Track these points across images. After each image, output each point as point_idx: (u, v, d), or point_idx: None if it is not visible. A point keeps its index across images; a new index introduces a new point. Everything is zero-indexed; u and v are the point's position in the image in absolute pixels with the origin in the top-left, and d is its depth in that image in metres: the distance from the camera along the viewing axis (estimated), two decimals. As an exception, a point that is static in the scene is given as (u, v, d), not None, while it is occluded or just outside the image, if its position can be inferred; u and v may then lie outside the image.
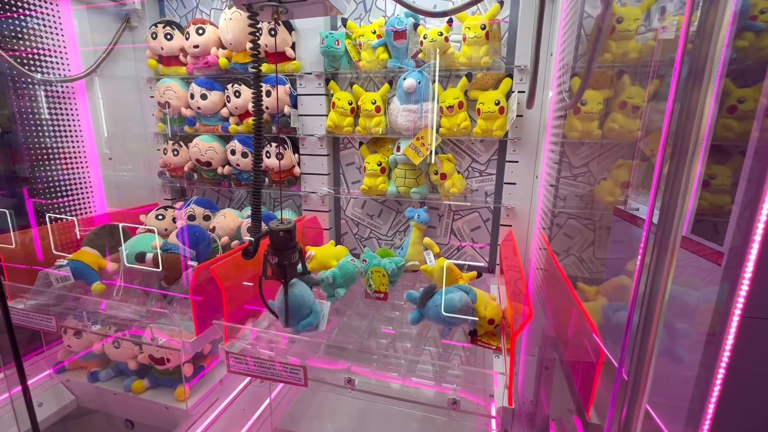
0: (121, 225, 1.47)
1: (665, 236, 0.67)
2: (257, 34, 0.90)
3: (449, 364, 1.08)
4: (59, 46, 1.65)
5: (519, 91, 1.44)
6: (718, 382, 1.01)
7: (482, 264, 1.70)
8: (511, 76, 1.46)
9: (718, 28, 0.57)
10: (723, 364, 1.00)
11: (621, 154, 1.40)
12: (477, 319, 1.16)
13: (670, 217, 0.66)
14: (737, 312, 1.01)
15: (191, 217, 1.79)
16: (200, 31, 1.69)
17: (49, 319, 1.30)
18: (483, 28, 1.39)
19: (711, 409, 1.02)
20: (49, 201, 1.67)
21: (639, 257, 0.85)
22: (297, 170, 1.77)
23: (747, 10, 1.13)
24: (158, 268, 1.42)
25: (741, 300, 0.98)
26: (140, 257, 1.37)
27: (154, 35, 1.75)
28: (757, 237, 0.91)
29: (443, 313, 1.12)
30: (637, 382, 0.74)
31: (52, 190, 1.68)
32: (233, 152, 1.76)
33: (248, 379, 1.63)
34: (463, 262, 1.52)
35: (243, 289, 1.27)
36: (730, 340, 1.01)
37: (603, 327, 1.19)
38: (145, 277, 1.46)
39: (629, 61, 1.32)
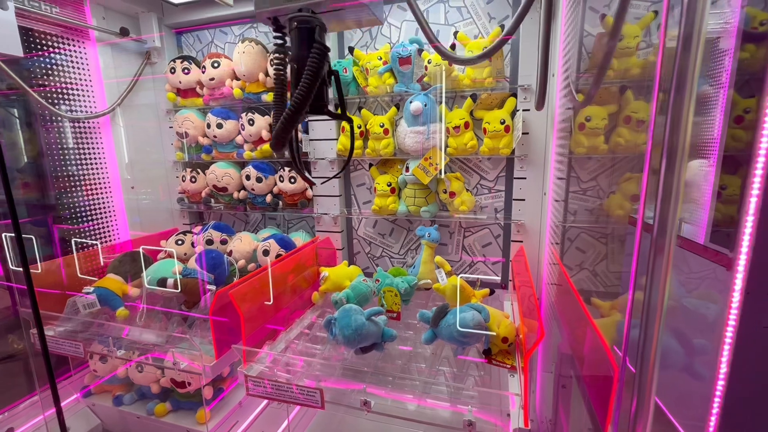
0: (141, 249, 1.54)
1: (660, 240, 0.67)
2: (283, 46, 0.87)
3: (464, 385, 1.09)
4: (85, 81, 1.76)
5: (524, 110, 1.47)
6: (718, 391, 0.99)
7: (496, 277, 1.71)
8: (515, 95, 1.49)
9: (696, 43, 0.59)
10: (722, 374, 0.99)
11: (629, 168, 1.40)
12: (491, 334, 1.17)
13: (663, 223, 0.67)
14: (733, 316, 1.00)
15: (209, 242, 1.85)
16: (215, 65, 1.78)
17: (77, 345, 1.36)
18: (485, 51, 1.43)
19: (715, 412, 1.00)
20: (74, 227, 1.75)
21: (633, 264, 0.86)
22: (309, 192, 1.82)
23: (747, 23, 1.15)
24: (178, 292, 1.48)
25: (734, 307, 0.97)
26: (161, 282, 1.43)
27: (172, 70, 1.85)
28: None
29: (456, 332, 1.13)
30: (643, 383, 0.74)
31: (77, 216, 1.77)
32: (248, 177, 1.83)
33: (267, 401, 1.65)
34: (476, 277, 1.53)
35: (260, 311, 1.30)
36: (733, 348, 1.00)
37: (618, 344, 1.18)
38: (166, 301, 1.51)
39: (632, 76, 1.34)
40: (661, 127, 0.66)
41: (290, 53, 0.86)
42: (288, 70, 0.87)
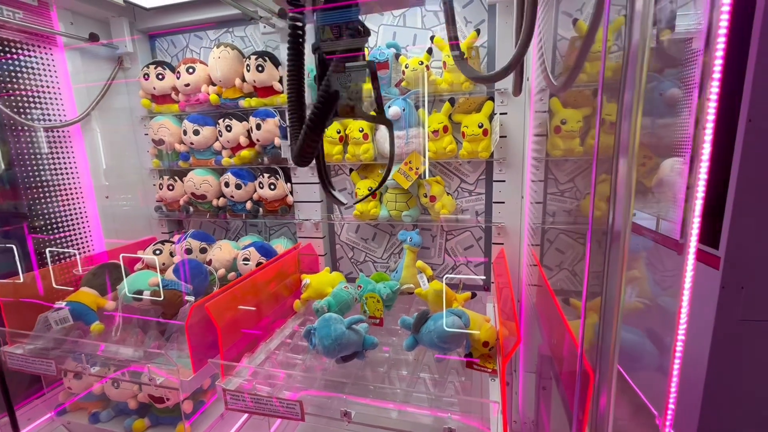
0: (122, 257, 1.49)
1: (615, 240, 0.69)
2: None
3: (444, 393, 1.09)
4: (53, 88, 1.70)
5: (501, 113, 1.48)
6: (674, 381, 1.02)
7: (480, 277, 1.71)
8: (492, 99, 1.50)
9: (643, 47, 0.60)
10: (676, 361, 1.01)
11: (603, 169, 1.42)
12: (472, 332, 1.17)
13: (617, 220, 0.69)
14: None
15: (188, 251, 1.81)
16: (190, 70, 1.74)
17: (48, 363, 1.31)
18: (462, 56, 1.43)
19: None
20: (47, 236, 1.70)
21: (586, 262, 0.88)
22: (290, 199, 1.80)
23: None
24: (156, 305, 1.44)
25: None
26: (138, 297, 1.39)
27: (146, 75, 1.80)
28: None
29: (437, 338, 1.13)
30: (603, 382, 0.75)
31: (50, 226, 1.71)
32: (227, 184, 1.79)
33: (250, 410, 1.63)
34: (459, 277, 1.53)
35: (240, 322, 1.28)
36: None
37: (594, 346, 1.20)
38: (143, 314, 1.48)
39: (604, 79, 1.36)
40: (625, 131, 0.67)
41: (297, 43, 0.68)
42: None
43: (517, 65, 0.91)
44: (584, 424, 0.90)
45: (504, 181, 1.54)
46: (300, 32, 0.69)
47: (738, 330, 1.22)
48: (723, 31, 0.67)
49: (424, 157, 1.56)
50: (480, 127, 1.47)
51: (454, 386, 1.14)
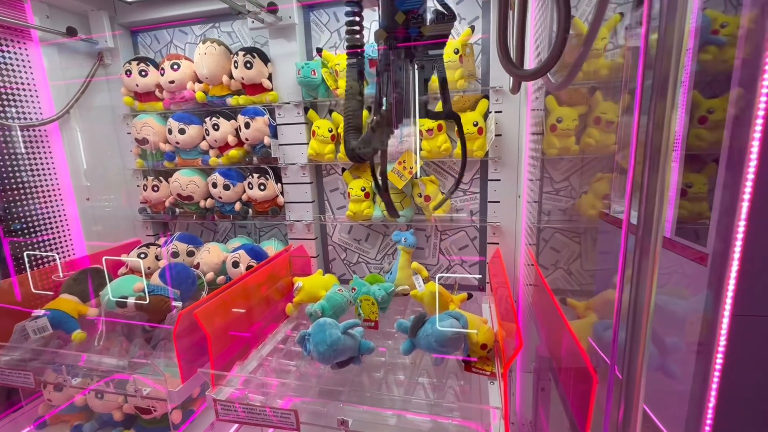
0: (104, 260, 1.42)
1: (645, 241, 0.66)
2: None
3: (444, 399, 1.06)
4: (28, 85, 1.62)
5: (496, 112, 1.46)
6: (714, 384, 1.01)
7: (476, 276, 1.69)
8: (487, 97, 1.48)
9: (679, 42, 0.57)
10: (718, 365, 1.01)
11: (599, 168, 1.42)
12: (470, 332, 1.14)
13: (648, 222, 0.65)
14: (727, 311, 1.02)
15: (175, 254, 1.75)
16: (175, 67, 1.67)
17: (26, 375, 1.24)
18: (456, 53, 1.41)
19: (711, 407, 1.01)
20: (25, 240, 1.62)
21: (620, 265, 0.86)
22: (281, 199, 1.75)
23: (708, 26, 1.17)
24: (141, 311, 1.38)
25: (729, 299, 0.99)
26: (121, 303, 1.33)
27: (128, 72, 1.73)
28: (740, 236, 0.93)
29: (435, 342, 1.10)
30: (630, 389, 0.72)
31: (28, 229, 1.63)
32: (215, 185, 1.74)
33: (241, 418, 1.58)
34: (454, 275, 1.50)
35: (231, 328, 1.23)
36: (722, 340, 1.02)
37: (596, 345, 1.19)
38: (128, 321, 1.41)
39: (600, 78, 1.35)
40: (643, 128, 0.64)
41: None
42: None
43: (556, 62, 0.85)
44: (587, 428, 0.89)
45: (499, 180, 1.52)
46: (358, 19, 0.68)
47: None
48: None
49: (416, 155, 1.53)
50: (475, 125, 1.45)
51: (454, 391, 1.11)
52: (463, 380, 1.15)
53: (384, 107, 0.66)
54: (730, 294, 1.01)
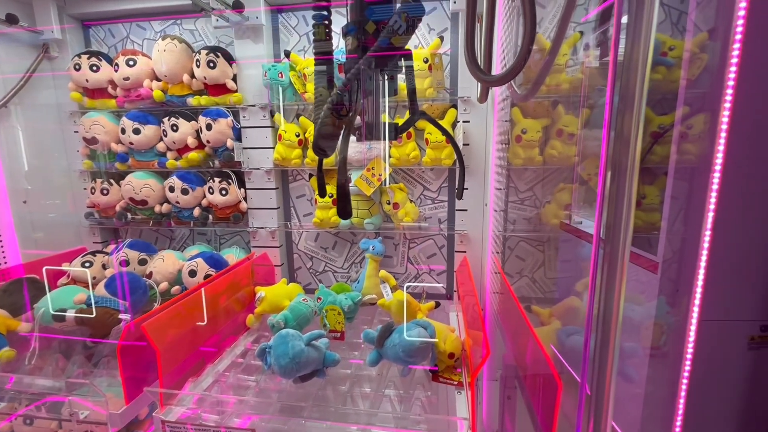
0: (45, 269, 1.28)
1: (613, 251, 0.67)
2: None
3: (411, 411, 1.03)
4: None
5: (464, 121, 1.48)
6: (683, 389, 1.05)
7: (440, 284, 1.69)
8: (455, 106, 1.49)
9: (644, 60, 0.60)
10: (680, 370, 1.05)
11: (562, 179, 1.47)
12: (438, 344, 1.13)
13: (616, 234, 0.67)
14: (693, 317, 1.06)
15: (125, 263, 1.62)
16: (131, 63, 1.58)
17: (-62, 400, 1.09)
18: (426, 62, 1.42)
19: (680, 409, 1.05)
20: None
21: (590, 276, 0.87)
22: (243, 205, 1.68)
23: (658, 47, 1.25)
24: (83, 325, 1.26)
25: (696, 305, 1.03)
26: (59, 316, 1.20)
27: (77, 66, 1.61)
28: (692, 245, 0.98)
29: (402, 352, 1.07)
30: (600, 402, 0.73)
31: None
32: (172, 189, 1.63)
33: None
34: (422, 285, 1.49)
35: (184, 342, 1.14)
36: (685, 344, 1.06)
37: (559, 352, 1.21)
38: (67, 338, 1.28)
39: (562, 92, 1.41)
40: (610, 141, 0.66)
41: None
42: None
43: (522, 66, 0.87)
44: (552, 434, 0.89)
45: (467, 188, 1.53)
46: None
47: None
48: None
49: (386, 162, 1.52)
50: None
51: (421, 402, 1.09)
52: (431, 391, 1.13)
53: (350, 113, 0.68)
54: (696, 301, 1.06)
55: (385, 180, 1.53)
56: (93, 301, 1.29)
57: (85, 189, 1.77)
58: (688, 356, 1.00)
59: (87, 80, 1.62)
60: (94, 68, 1.61)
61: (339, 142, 0.83)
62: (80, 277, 1.58)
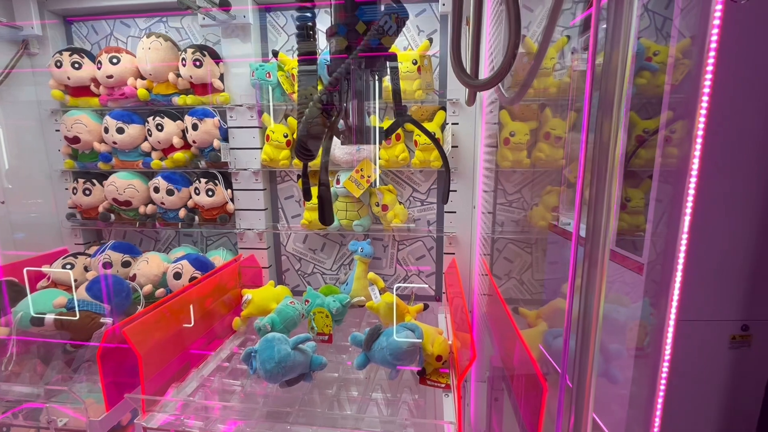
0: (25, 270, 1.24)
1: (594, 252, 0.68)
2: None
3: (398, 415, 1.03)
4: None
5: (453, 123, 1.48)
6: (660, 389, 1.06)
7: (426, 286, 1.69)
8: (444, 108, 1.49)
9: (623, 65, 0.60)
10: (661, 370, 1.06)
11: (549, 181, 1.48)
12: (425, 347, 1.12)
13: (596, 235, 0.67)
14: (670, 317, 1.07)
15: (108, 265, 1.58)
16: (114, 60, 1.54)
17: None
18: (415, 63, 1.42)
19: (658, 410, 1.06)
20: None
21: (570, 276, 0.88)
22: (230, 206, 1.65)
23: (642, 53, 1.27)
24: (63, 330, 1.23)
25: (673, 306, 1.04)
26: (37, 320, 1.17)
27: (58, 63, 1.57)
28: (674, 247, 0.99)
29: (390, 355, 1.07)
30: (581, 398, 0.73)
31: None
32: (157, 189, 1.60)
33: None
34: (411, 286, 1.49)
35: (168, 346, 1.12)
36: (665, 346, 1.07)
37: (546, 354, 1.22)
38: (45, 342, 1.25)
39: (549, 95, 1.42)
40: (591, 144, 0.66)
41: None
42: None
43: (507, 71, 0.88)
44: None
45: (455, 190, 1.54)
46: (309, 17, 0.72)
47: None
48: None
49: (375, 164, 1.51)
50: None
51: (408, 405, 1.08)
52: (418, 394, 1.13)
53: (337, 115, 0.68)
54: (674, 302, 1.07)
55: (374, 181, 1.52)
56: (75, 305, 1.25)
57: (66, 189, 1.72)
58: (666, 356, 1.02)
59: (69, 78, 1.57)
60: (76, 65, 1.57)
61: (321, 145, 0.82)
62: (61, 280, 1.54)
